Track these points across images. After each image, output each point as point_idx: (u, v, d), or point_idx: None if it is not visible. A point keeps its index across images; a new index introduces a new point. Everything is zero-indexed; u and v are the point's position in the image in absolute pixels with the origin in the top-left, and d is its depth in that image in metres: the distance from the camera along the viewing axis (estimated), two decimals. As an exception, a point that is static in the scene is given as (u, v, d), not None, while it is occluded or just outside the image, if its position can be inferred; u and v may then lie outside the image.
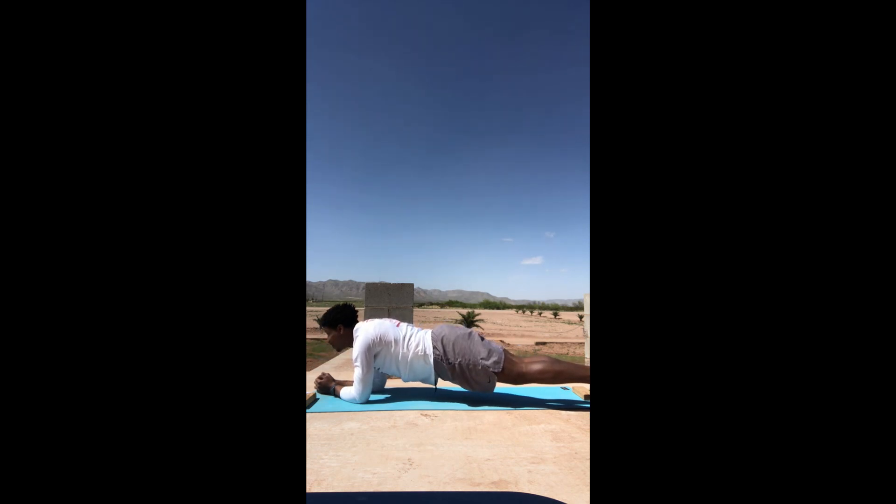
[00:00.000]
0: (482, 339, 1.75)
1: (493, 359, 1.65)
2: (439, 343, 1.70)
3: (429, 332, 1.78)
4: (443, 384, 1.93)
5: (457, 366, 1.66)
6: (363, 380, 1.66)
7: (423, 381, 1.77)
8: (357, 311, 1.91)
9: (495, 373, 1.64)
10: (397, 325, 1.77)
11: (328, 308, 1.91)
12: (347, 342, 1.83)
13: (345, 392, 1.72)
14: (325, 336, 1.88)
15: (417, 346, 1.71)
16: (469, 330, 1.78)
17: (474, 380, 1.66)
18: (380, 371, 1.79)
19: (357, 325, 1.79)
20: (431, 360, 1.69)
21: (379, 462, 1.05)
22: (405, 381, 1.79)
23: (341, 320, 1.84)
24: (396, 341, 1.71)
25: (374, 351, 1.69)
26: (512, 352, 1.83)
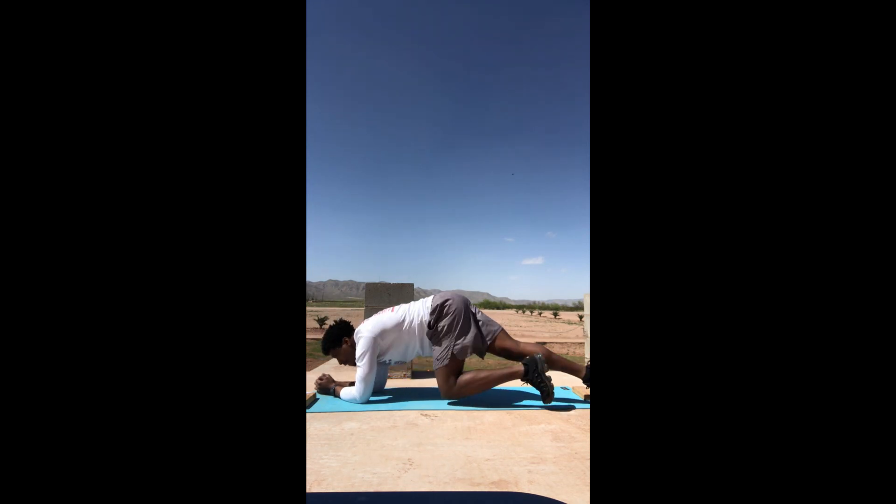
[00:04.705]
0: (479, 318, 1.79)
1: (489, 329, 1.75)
2: (438, 306, 1.73)
3: (429, 299, 1.80)
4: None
5: (441, 328, 1.69)
6: (365, 379, 1.65)
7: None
8: (350, 322, 1.91)
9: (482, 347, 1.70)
10: (392, 311, 1.79)
11: (325, 330, 1.91)
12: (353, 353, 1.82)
13: (345, 392, 1.72)
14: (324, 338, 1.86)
15: (419, 323, 1.74)
16: (473, 309, 1.79)
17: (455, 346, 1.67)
18: (385, 364, 1.79)
19: (357, 328, 1.79)
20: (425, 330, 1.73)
21: (379, 462, 1.05)
22: (418, 357, 1.82)
23: (344, 333, 1.84)
24: (398, 325, 1.72)
25: (381, 348, 1.70)
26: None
